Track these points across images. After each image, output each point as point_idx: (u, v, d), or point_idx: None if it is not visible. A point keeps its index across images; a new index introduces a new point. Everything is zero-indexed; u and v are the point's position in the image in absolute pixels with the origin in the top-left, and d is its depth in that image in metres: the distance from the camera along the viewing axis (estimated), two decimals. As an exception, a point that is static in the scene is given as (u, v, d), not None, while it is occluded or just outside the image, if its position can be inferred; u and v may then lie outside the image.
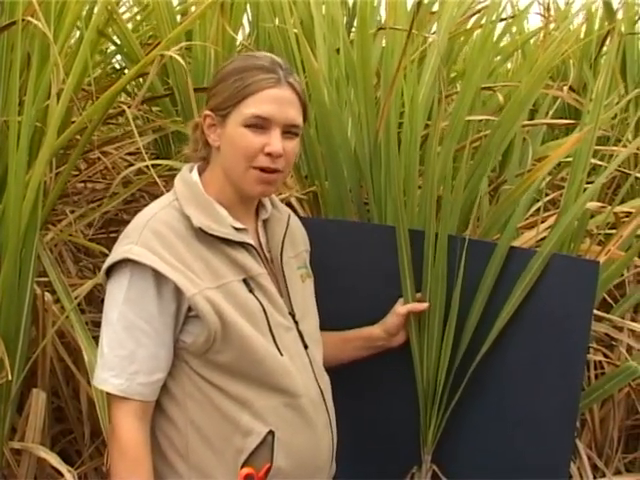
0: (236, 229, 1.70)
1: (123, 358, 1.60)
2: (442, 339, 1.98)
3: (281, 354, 1.69)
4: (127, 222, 2.88)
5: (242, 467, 1.64)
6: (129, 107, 2.40)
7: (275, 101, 1.67)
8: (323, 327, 1.89)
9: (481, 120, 2.52)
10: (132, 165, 2.53)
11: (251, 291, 1.68)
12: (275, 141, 1.66)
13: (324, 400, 1.79)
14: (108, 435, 1.69)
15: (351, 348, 2.02)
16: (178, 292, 1.60)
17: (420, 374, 2.01)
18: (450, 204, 1.94)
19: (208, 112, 1.72)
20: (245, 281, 1.68)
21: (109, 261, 1.64)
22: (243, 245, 1.70)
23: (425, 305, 1.99)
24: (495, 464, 1.99)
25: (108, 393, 1.63)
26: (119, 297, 1.61)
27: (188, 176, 1.74)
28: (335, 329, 1.99)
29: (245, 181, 1.69)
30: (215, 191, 1.72)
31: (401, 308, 2.00)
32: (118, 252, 1.62)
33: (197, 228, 1.64)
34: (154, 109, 2.99)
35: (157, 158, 2.86)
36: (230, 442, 1.65)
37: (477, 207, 2.14)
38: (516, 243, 2.19)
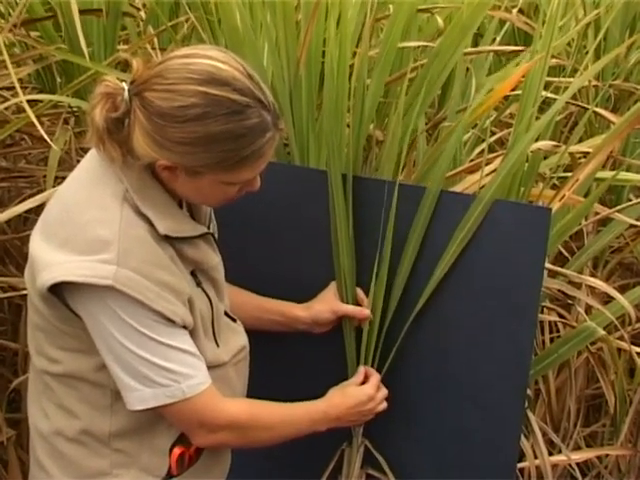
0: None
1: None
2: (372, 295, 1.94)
3: (217, 345, 1.70)
4: (6, 169, 2.85)
5: (172, 448, 1.67)
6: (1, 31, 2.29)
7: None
8: (245, 282, 1.93)
9: (417, 47, 2.48)
10: (8, 101, 2.40)
11: (199, 284, 1.64)
12: (257, 183, 1.64)
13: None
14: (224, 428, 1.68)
15: (268, 321, 1.96)
16: None
17: (348, 338, 1.99)
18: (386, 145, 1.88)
19: (167, 164, 1.52)
20: (193, 273, 1.63)
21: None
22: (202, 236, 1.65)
23: (366, 313, 1.94)
24: (432, 437, 2.00)
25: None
26: None
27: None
28: (257, 285, 1.98)
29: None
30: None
31: (340, 307, 1.95)
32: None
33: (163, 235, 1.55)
34: (33, 34, 2.87)
35: (40, 92, 2.75)
36: (157, 425, 1.66)
37: (413, 148, 2.13)
38: (458, 188, 2.14)
